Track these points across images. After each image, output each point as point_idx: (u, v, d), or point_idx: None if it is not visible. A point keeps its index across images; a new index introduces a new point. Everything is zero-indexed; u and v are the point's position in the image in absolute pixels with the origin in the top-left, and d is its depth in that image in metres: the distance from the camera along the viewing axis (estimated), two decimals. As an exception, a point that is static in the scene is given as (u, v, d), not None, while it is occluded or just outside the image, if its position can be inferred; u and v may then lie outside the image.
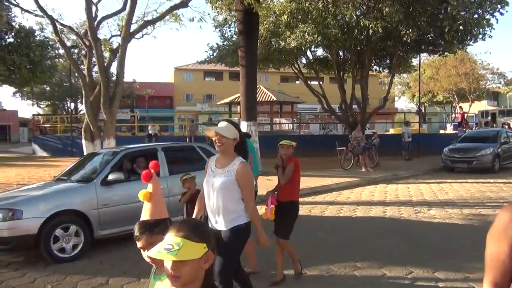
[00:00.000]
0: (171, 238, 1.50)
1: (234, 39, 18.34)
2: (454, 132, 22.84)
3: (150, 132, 20.79)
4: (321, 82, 20.10)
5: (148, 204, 2.08)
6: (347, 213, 8.70)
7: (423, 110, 48.43)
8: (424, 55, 37.49)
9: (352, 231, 7.21)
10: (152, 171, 2.12)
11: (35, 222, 5.55)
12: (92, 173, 6.70)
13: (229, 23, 18.67)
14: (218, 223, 3.43)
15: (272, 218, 4.70)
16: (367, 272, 5.14)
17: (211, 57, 20.21)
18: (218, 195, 3.38)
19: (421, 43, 16.97)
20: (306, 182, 12.34)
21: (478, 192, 10.91)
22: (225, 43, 19.48)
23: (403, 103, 55.93)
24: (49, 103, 49.88)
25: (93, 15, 11.37)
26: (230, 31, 19.23)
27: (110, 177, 6.32)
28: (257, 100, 19.36)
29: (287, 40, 16.18)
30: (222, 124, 3.46)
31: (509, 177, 13.30)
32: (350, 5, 14.91)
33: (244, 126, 13.82)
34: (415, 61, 22.61)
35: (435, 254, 5.74)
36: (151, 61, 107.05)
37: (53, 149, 22.12)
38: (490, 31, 15.74)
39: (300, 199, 10.27)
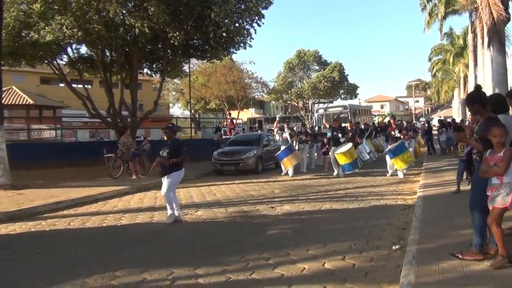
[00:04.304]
0: None
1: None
2: (225, 137, 23.88)
3: None
4: (89, 86, 18.28)
5: None
6: (112, 222, 7.91)
7: (197, 117, 50.63)
8: (195, 61, 39.12)
9: (115, 240, 6.63)
10: None
11: None
12: None
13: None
14: None
15: None
16: (126, 279, 4.72)
17: None
18: None
19: (189, 48, 17.06)
20: (67, 193, 10.88)
21: (242, 191, 11.29)
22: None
23: (179, 110, 57.22)
24: None
25: None
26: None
27: None
28: (7, 102, 16.41)
29: (41, 32, 13.95)
30: None
31: (269, 177, 14.31)
32: (114, 0, 13.77)
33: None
34: (186, 66, 22.89)
35: (197, 253, 5.66)
36: None
37: None
38: (250, 41, 16.84)
39: (59, 213, 8.89)
